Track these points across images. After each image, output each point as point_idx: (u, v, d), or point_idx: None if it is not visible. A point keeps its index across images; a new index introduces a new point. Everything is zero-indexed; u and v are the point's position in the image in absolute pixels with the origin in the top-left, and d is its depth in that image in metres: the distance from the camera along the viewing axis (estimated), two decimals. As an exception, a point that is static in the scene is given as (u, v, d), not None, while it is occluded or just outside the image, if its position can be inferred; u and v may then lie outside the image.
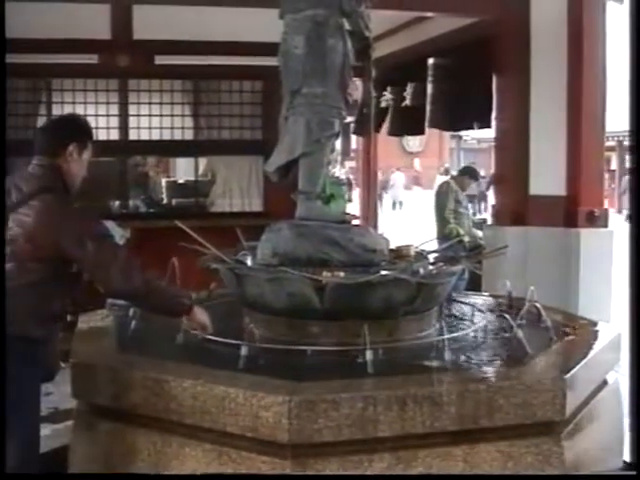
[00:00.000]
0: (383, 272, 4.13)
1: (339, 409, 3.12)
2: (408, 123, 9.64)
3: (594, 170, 6.96)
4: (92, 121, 5.18)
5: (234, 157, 10.19)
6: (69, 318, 3.89)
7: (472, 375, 3.60)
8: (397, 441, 3.25)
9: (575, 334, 4.29)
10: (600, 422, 3.91)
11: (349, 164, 28.26)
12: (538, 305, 4.38)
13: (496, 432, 3.37)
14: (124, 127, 9.65)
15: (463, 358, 3.87)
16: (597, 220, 6.77)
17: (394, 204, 32.55)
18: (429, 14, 7.94)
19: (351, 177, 21.77)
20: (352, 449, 3.21)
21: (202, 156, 10.62)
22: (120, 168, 10.05)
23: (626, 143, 24.81)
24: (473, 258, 5.23)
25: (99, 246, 3.36)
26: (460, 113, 8.16)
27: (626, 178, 23.81)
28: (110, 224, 6.55)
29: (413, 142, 40.99)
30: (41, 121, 8.98)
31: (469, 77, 7.78)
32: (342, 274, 4.08)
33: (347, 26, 4.54)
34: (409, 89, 9.19)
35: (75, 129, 3.62)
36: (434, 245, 6.12)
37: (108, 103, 9.56)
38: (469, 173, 9.50)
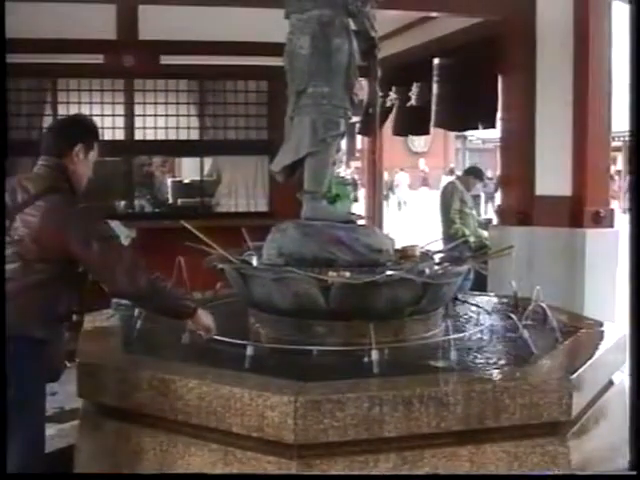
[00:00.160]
0: (389, 272, 4.12)
1: (345, 409, 3.12)
2: (413, 123, 9.63)
3: (600, 170, 6.95)
4: (98, 121, 5.18)
5: (240, 157, 10.20)
6: (75, 318, 3.89)
7: (478, 375, 3.59)
8: (403, 441, 3.25)
9: (581, 334, 4.29)
10: (606, 423, 3.91)
11: (354, 164, 28.25)
12: (544, 305, 4.37)
13: (502, 432, 3.37)
14: (130, 127, 9.68)
15: (469, 358, 3.87)
16: (603, 220, 6.75)
17: (399, 204, 32.57)
18: (434, 14, 7.93)
19: (356, 177, 21.78)
20: (358, 449, 3.21)
21: (208, 156, 10.62)
22: (126, 168, 10.08)
23: (632, 143, 24.66)
24: (479, 258, 5.22)
25: (104, 246, 3.36)
26: (465, 113, 8.15)
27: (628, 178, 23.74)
28: (115, 224, 6.55)
29: (418, 142, 41.01)
30: (47, 121, 9.01)
31: (475, 77, 7.76)
32: (348, 274, 4.08)
33: (353, 26, 4.54)
34: (414, 89, 9.18)
35: (81, 129, 3.63)
36: (440, 245, 6.12)
37: (114, 103, 9.59)
38: (474, 173, 9.48)
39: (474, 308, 4.95)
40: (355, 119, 4.98)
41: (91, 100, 9.46)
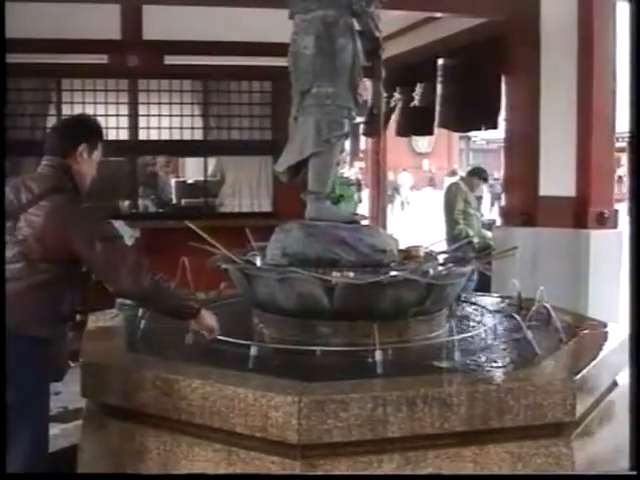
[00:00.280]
0: (393, 273, 4.12)
1: (348, 409, 3.12)
2: (417, 123, 9.64)
3: (604, 171, 6.94)
4: (102, 121, 5.18)
5: (243, 157, 10.21)
6: (78, 318, 3.89)
7: (482, 376, 3.58)
8: (406, 442, 3.24)
9: (585, 335, 4.28)
10: (610, 423, 3.90)
11: (358, 164, 28.26)
12: (548, 306, 4.37)
13: (506, 433, 3.36)
14: (134, 127, 9.69)
15: (473, 359, 3.86)
16: (607, 221, 6.75)
17: (402, 204, 32.57)
18: (439, 14, 7.93)
19: (360, 178, 21.77)
20: (361, 449, 3.20)
21: (211, 156, 10.63)
22: (130, 168, 10.09)
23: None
24: (482, 259, 5.22)
25: (108, 246, 3.36)
26: (470, 114, 8.15)
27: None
28: (119, 224, 6.55)
29: (422, 143, 41.02)
30: (51, 121, 9.02)
31: (479, 78, 7.77)
32: (352, 274, 4.08)
33: (357, 26, 4.54)
34: (418, 89, 9.19)
35: (85, 129, 3.63)
36: (443, 246, 6.12)
37: (118, 103, 9.60)
38: (478, 174, 9.48)
39: (478, 309, 4.95)
40: (359, 119, 4.97)
41: (95, 100, 9.47)
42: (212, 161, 10.82)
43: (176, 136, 9.94)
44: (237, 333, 3.92)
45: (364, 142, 11.67)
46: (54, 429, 3.96)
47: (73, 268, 3.42)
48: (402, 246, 4.72)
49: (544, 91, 6.95)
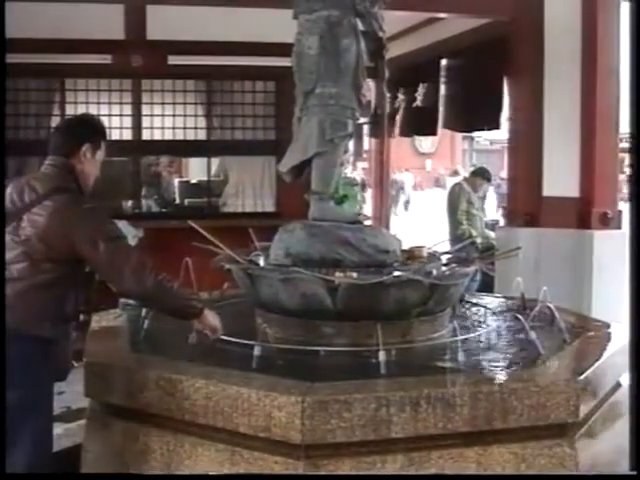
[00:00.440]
0: (396, 273, 4.12)
1: (352, 410, 3.11)
2: (419, 124, 9.64)
3: (608, 171, 6.94)
4: (105, 121, 5.19)
5: (247, 157, 10.22)
6: (82, 318, 3.90)
7: (485, 377, 3.59)
8: (410, 442, 3.23)
9: (588, 336, 4.28)
10: (614, 424, 3.90)
11: (361, 165, 28.27)
12: (551, 306, 4.36)
13: (509, 434, 3.35)
14: (137, 127, 9.71)
15: (476, 359, 3.86)
16: (610, 221, 6.74)
17: (406, 204, 32.57)
18: (442, 15, 7.92)
19: (365, 178, 21.76)
20: (365, 450, 3.20)
21: (215, 156, 10.64)
22: (133, 168, 10.11)
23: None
24: (486, 259, 5.22)
25: (112, 246, 3.36)
26: (473, 114, 8.15)
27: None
28: (123, 224, 6.56)
29: (425, 143, 41.00)
30: (55, 121, 9.03)
31: (483, 78, 7.76)
32: (355, 275, 4.08)
33: (361, 27, 4.54)
34: (420, 89, 9.18)
35: (89, 129, 3.63)
36: (447, 246, 6.11)
37: (121, 103, 9.62)
38: (481, 174, 9.47)
39: (481, 309, 4.95)
40: (363, 120, 4.98)
41: (99, 100, 9.49)
42: (215, 161, 10.83)
43: (179, 136, 9.96)
44: (240, 333, 3.92)
45: (367, 142, 11.69)
46: (57, 429, 3.95)
47: (77, 268, 3.43)
48: (405, 246, 4.72)
49: (548, 91, 6.94)
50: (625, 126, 6.83)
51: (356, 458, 3.19)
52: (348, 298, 3.90)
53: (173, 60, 9.25)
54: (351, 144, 5.32)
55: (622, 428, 3.98)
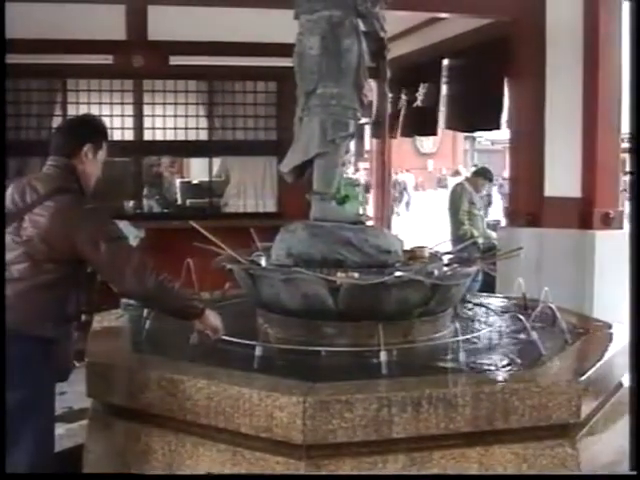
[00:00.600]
0: (398, 273, 4.12)
1: (353, 410, 3.12)
2: (420, 124, 9.64)
3: (610, 171, 6.93)
4: (107, 121, 5.19)
5: (248, 158, 10.22)
6: (84, 318, 3.90)
7: (487, 377, 3.58)
8: (411, 442, 3.24)
9: (590, 336, 4.27)
10: (616, 425, 3.89)
11: (363, 165, 28.28)
12: (553, 306, 4.36)
13: (511, 434, 3.35)
14: (139, 127, 9.71)
15: (478, 360, 3.86)
16: (612, 222, 6.74)
17: (408, 205, 32.57)
18: (444, 15, 7.93)
19: (367, 178, 21.76)
20: (366, 450, 3.20)
21: (216, 156, 10.64)
22: (135, 168, 10.10)
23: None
24: (487, 259, 5.21)
25: (113, 247, 3.36)
26: (475, 114, 8.15)
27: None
28: (124, 224, 6.56)
29: (427, 143, 40.98)
30: (56, 121, 9.03)
31: (484, 78, 7.76)
32: (356, 275, 4.08)
33: (362, 27, 4.53)
34: (421, 90, 9.19)
35: (90, 129, 3.63)
36: (448, 246, 6.11)
37: (123, 103, 9.62)
38: (483, 174, 9.47)
39: (483, 309, 4.95)
40: (364, 120, 4.97)
41: (100, 100, 9.48)
42: (217, 161, 10.84)
43: (181, 136, 9.95)
44: (242, 333, 3.92)
45: (369, 143, 11.69)
46: (59, 429, 3.95)
47: (78, 268, 3.43)
48: (407, 247, 4.71)
49: (549, 92, 6.94)
50: (627, 126, 6.85)
51: (357, 458, 3.19)
52: (350, 298, 3.89)
53: (174, 60, 9.26)
54: (352, 144, 5.31)
55: (624, 428, 3.98)
